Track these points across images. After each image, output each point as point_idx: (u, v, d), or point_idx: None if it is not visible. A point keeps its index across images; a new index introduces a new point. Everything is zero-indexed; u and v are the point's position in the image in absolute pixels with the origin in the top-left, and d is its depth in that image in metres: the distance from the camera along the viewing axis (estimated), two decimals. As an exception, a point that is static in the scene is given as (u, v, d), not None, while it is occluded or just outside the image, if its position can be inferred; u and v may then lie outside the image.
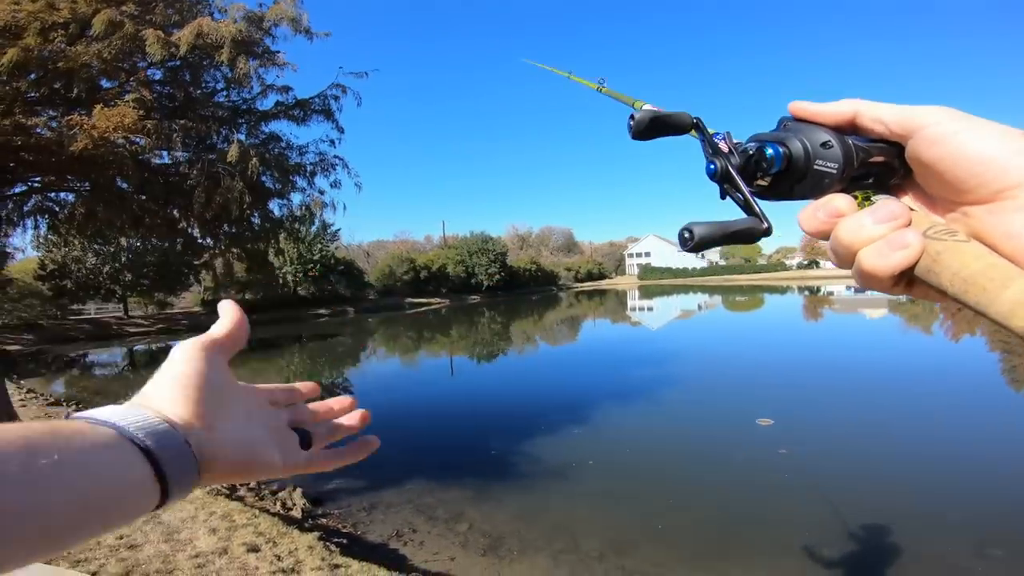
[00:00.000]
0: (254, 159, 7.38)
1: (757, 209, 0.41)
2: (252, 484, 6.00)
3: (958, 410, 8.32)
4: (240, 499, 5.42)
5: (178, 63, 7.28)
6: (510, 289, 56.50)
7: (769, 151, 0.40)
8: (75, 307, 30.96)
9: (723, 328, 24.51)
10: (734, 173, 0.42)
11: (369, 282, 44.85)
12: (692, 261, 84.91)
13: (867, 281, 0.37)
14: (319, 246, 37.45)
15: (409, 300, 44.23)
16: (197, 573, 3.47)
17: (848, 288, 48.10)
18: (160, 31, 6.47)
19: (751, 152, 0.42)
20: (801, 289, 50.41)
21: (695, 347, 17.91)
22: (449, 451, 7.48)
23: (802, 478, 5.83)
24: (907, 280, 0.36)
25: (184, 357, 0.42)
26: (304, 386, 0.56)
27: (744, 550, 4.44)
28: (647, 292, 56.48)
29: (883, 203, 0.37)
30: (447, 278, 50.79)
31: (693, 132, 0.46)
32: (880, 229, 0.35)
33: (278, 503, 5.52)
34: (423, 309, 40.42)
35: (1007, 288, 0.32)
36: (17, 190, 7.85)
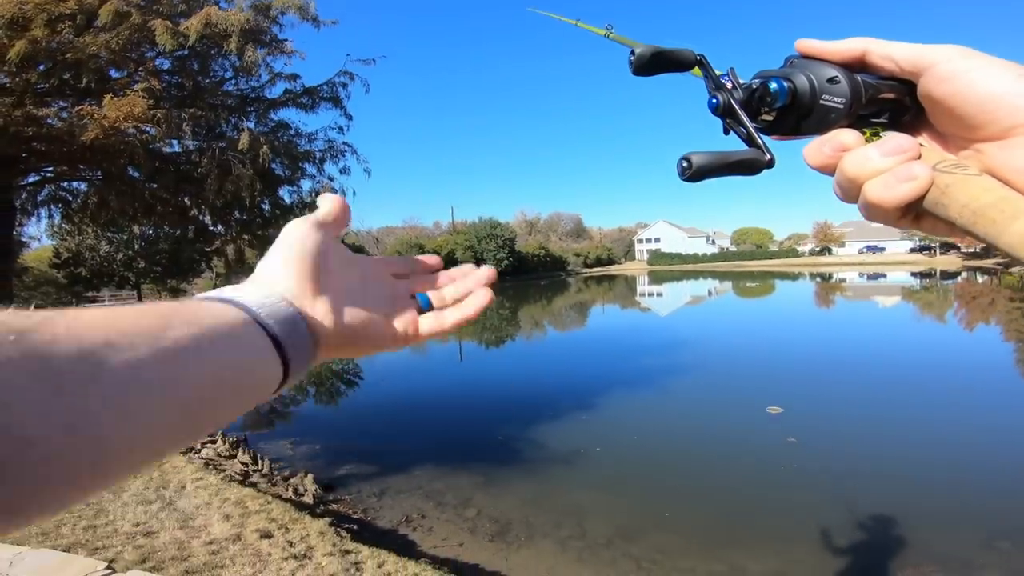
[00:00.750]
0: (264, 147, 7.41)
1: (760, 142, 0.40)
2: (265, 470, 6.12)
3: (970, 401, 8.25)
4: (253, 485, 5.52)
5: (186, 52, 7.28)
6: (519, 274, 56.50)
7: (773, 85, 0.40)
8: (90, 294, 31.39)
9: (733, 315, 24.39)
10: (737, 107, 0.41)
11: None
12: (702, 247, 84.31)
13: (872, 213, 0.37)
14: (328, 232, 37.66)
15: (418, 286, 44.43)
16: (211, 559, 3.56)
17: (861, 275, 47.60)
18: (168, 21, 6.47)
19: (755, 87, 0.41)
20: (813, 276, 49.93)
21: (705, 334, 17.85)
22: (458, 437, 7.55)
23: (810, 466, 5.83)
24: (914, 214, 0.36)
25: (296, 234, 0.41)
26: (427, 258, 0.55)
27: (751, 538, 4.47)
28: (657, 278, 56.21)
29: (891, 136, 0.37)
30: (456, 263, 50.46)
31: (696, 70, 0.45)
32: (887, 162, 0.35)
33: (290, 489, 5.61)
34: (432, 295, 40.51)
35: (1017, 220, 0.32)
36: (31, 180, 7.94)
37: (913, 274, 46.46)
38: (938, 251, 64.61)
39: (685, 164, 0.38)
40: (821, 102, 0.39)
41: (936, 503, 4.93)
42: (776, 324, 19.56)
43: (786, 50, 0.43)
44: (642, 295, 37.49)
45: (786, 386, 9.45)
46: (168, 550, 3.64)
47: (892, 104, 0.40)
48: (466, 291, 0.51)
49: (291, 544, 3.95)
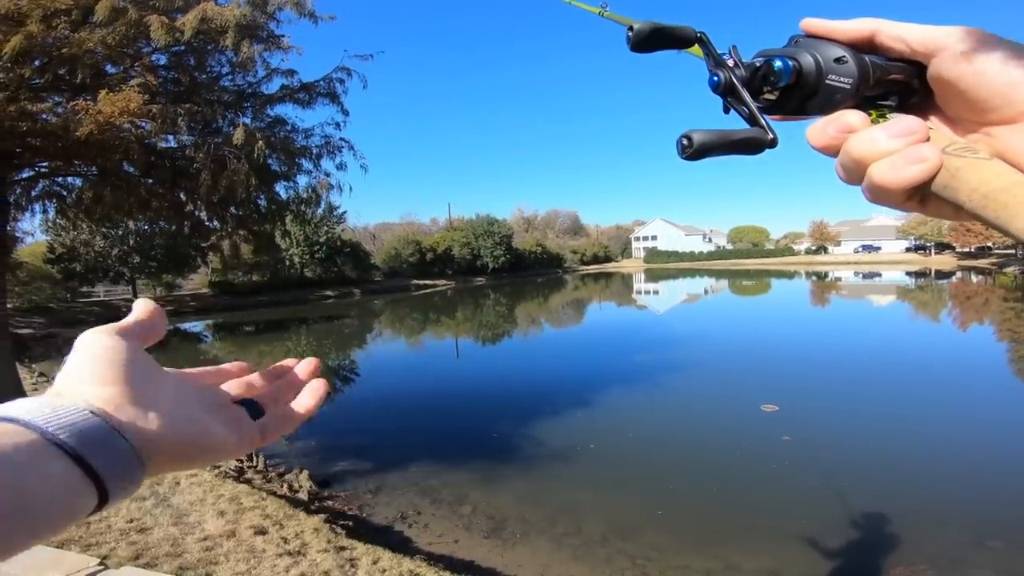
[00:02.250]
0: (260, 142, 7.38)
1: (762, 121, 0.39)
2: (260, 467, 6.12)
3: (963, 400, 8.31)
4: (248, 481, 5.52)
5: (183, 48, 7.24)
6: (515, 271, 56.49)
7: (777, 63, 0.38)
8: (84, 290, 31.29)
9: (729, 313, 24.46)
10: (739, 85, 0.40)
11: (375, 264, 44.97)
12: (699, 245, 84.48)
13: (877, 195, 0.36)
14: (325, 228, 37.50)
15: (415, 282, 44.36)
16: (205, 556, 3.56)
17: (856, 274, 47.79)
18: (164, 16, 6.43)
19: (758, 65, 0.40)
20: (809, 274, 50.09)
21: (701, 332, 17.90)
22: (454, 434, 7.57)
23: (805, 465, 5.87)
24: (920, 196, 0.36)
25: (98, 339, 0.36)
26: (233, 366, 0.49)
27: (745, 535, 4.49)
28: (653, 275, 56.31)
29: (899, 118, 0.36)
30: (453, 260, 50.82)
31: (696, 48, 0.44)
32: (895, 143, 0.35)
33: (285, 486, 5.62)
34: (429, 291, 40.55)
35: None
36: (25, 175, 7.90)
37: (908, 273, 46.66)
38: (933, 251, 64.91)
39: (685, 142, 0.37)
40: (827, 82, 0.38)
41: (929, 501, 4.97)
42: (772, 322, 19.63)
43: (790, 29, 0.41)
44: (638, 293, 37.56)
45: (782, 385, 9.48)
46: (162, 546, 3.65)
47: (900, 86, 0.39)
48: (297, 384, 0.48)
49: (285, 541, 3.96)
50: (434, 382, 11.31)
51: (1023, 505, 4.79)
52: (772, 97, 0.40)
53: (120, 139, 6.42)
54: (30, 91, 6.26)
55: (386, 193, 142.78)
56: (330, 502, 5.39)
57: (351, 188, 14.98)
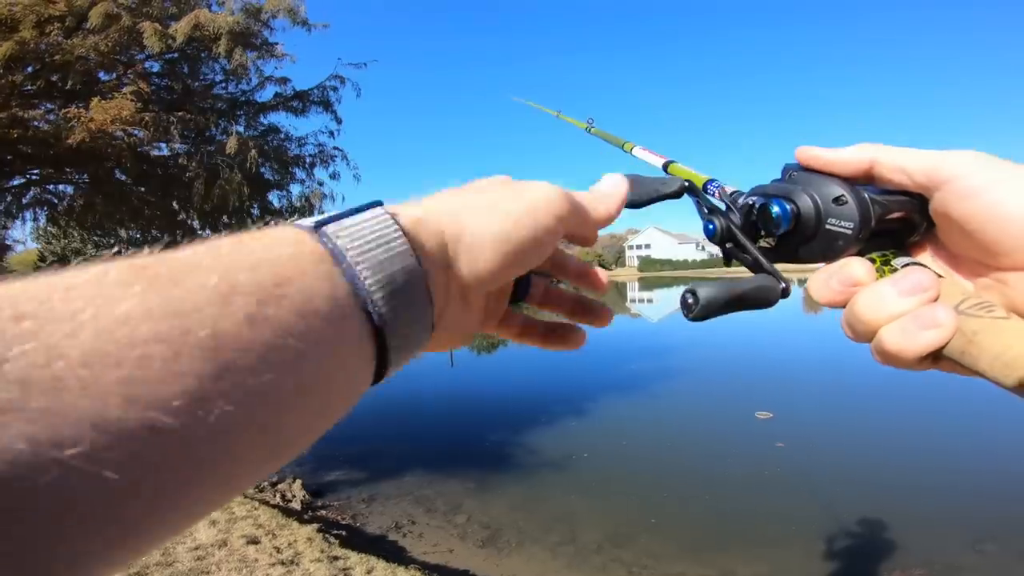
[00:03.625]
0: (253, 151, 7.37)
1: (769, 268, 0.37)
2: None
3: (956, 406, 8.34)
4: (240, 491, 5.45)
5: (176, 55, 7.25)
6: (510, 281, 56.54)
7: (775, 209, 0.36)
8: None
9: (722, 320, 24.45)
10: (737, 233, 0.38)
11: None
12: (692, 253, 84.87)
13: (889, 361, 0.32)
14: (319, 237, 37.54)
15: (409, 292, 44.40)
16: (197, 565, 3.51)
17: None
18: (157, 23, 6.44)
19: (754, 205, 0.37)
20: (801, 281, 50.17)
21: (694, 339, 17.93)
22: (448, 443, 7.52)
23: (799, 471, 5.86)
24: (934, 356, 0.31)
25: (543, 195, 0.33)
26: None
27: (741, 542, 4.47)
28: (647, 284, 56.50)
29: (908, 272, 0.32)
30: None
31: (687, 194, 0.43)
32: (905, 304, 0.30)
33: (278, 495, 5.56)
34: (423, 301, 40.52)
35: None
36: (15, 183, 7.85)
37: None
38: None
39: (691, 300, 0.35)
40: (827, 227, 0.34)
41: (923, 506, 4.97)
42: (765, 329, 19.70)
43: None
44: (633, 301, 37.63)
45: (776, 391, 9.51)
46: (152, 556, 3.58)
47: (901, 223, 0.35)
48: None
49: (278, 550, 3.91)
50: (428, 391, 11.25)
51: (1016, 508, 4.79)
52: (769, 243, 0.38)
53: (112, 147, 6.40)
54: (22, 98, 6.24)
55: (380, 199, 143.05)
56: (323, 511, 5.34)
57: (344, 198, 14.99)
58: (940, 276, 0.33)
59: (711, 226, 0.39)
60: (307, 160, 8.91)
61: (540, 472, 6.14)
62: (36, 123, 6.29)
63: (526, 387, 11.18)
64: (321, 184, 9.22)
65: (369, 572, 3.69)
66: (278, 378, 0.19)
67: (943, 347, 0.30)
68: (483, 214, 0.30)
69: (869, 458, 6.20)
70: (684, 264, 79.72)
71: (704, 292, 0.34)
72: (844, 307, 0.35)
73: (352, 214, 0.25)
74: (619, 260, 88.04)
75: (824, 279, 0.35)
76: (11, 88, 5.98)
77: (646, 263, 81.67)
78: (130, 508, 0.16)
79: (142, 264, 0.19)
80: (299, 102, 8.67)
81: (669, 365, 12.45)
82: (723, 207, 0.40)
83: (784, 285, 0.36)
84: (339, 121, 9.09)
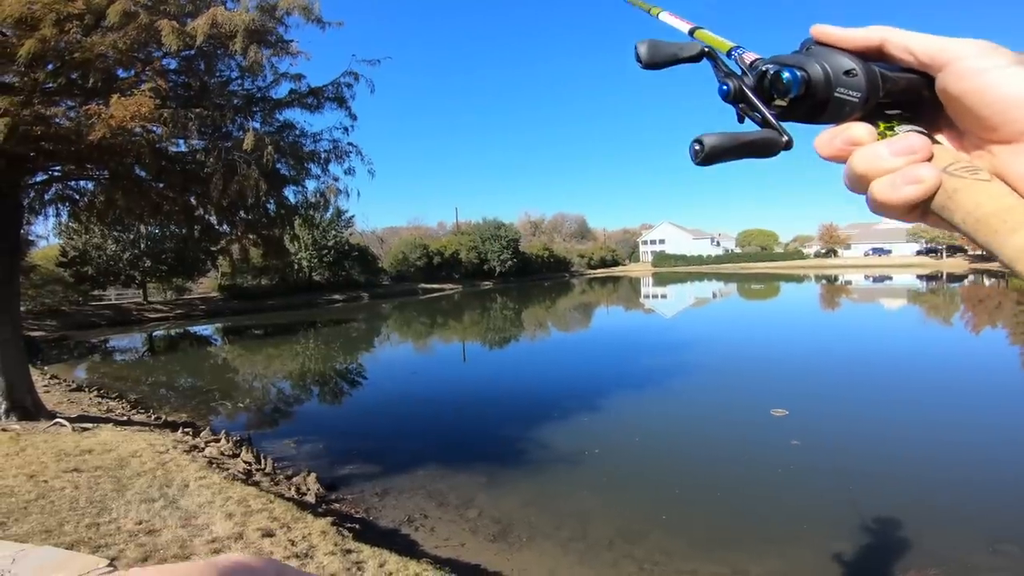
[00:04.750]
0: (269, 147, 7.42)
1: (776, 124, 0.39)
2: (268, 469, 6.14)
3: (975, 404, 8.19)
4: (256, 484, 5.52)
5: (193, 52, 7.31)
6: (522, 275, 56.46)
7: (786, 75, 0.38)
8: (96, 293, 31.57)
9: (738, 317, 24.29)
10: (749, 92, 0.40)
11: (383, 268, 45.10)
12: (707, 248, 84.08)
13: (878, 209, 0.37)
14: (333, 232, 37.66)
15: (422, 286, 44.44)
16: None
17: (867, 277, 47.38)
18: (175, 21, 6.49)
19: (767, 72, 0.40)
20: (818, 278, 49.70)
21: (709, 336, 17.80)
22: (461, 438, 7.56)
23: (813, 469, 5.81)
24: (922, 210, 0.36)
25: None
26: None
27: (754, 539, 4.45)
28: (661, 279, 56.10)
29: (903, 136, 0.36)
30: (460, 264, 50.87)
31: (706, 59, 0.45)
32: (896, 162, 0.35)
33: (293, 488, 5.62)
34: (436, 295, 40.61)
35: (1017, 233, 0.32)
36: (38, 179, 7.99)
37: (919, 277, 46.21)
38: (944, 254, 64.26)
39: (697, 147, 0.38)
40: (836, 94, 0.37)
41: (940, 505, 4.91)
42: (782, 327, 19.48)
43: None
44: (646, 297, 37.42)
45: (792, 389, 9.41)
46: (170, 548, 3.65)
47: (909, 96, 0.39)
48: None
49: (293, 543, 3.96)
50: (441, 386, 11.30)
51: None
52: (782, 104, 0.40)
53: (132, 143, 6.47)
54: (43, 95, 6.33)
55: (394, 197, 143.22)
56: (337, 505, 5.40)
57: (359, 193, 15.08)
58: (937, 143, 0.37)
59: (725, 86, 0.42)
60: (322, 156, 8.94)
61: (552, 468, 6.15)
62: (58, 120, 6.38)
63: (538, 383, 11.17)
64: (336, 179, 9.25)
65: (382, 565, 3.72)
66: None
67: (928, 200, 0.35)
68: None
69: (884, 456, 6.12)
70: (699, 259, 78.98)
71: (710, 139, 0.37)
72: (841, 162, 0.38)
73: None
74: (632, 255, 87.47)
75: (828, 137, 0.38)
76: (33, 85, 6.08)
77: (660, 258, 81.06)
78: None
79: None
80: (314, 98, 8.70)
81: (683, 361, 12.36)
82: (740, 70, 0.42)
83: (787, 138, 0.39)
84: (354, 117, 9.11)
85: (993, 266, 51.29)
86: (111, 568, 3.32)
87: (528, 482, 5.79)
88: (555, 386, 10.62)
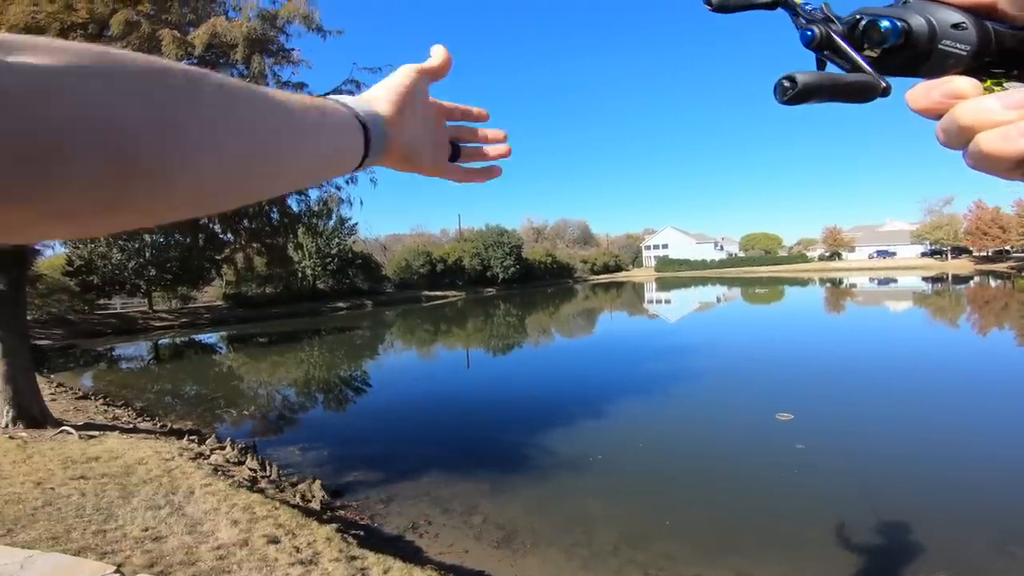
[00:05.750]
0: (272, 156, 7.47)
1: (870, 70, 0.36)
2: (273, 476, 6.14)
3: (982, 406, 8.14)
4: (261, 491, 5.53)
5: (195, 61, 7.38)
6: (525, 282, 56.47)
7: (884, 23, 0.36)
8: (102, 302, 31.77)
9: (743, 321, 24.22)
10: (837, 38, 0.37)
11: (386, 275, 45.22)
12: (710, 253, 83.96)
13: (982, 163, 0.34)
14: (337, 240, 37.82)
15: (426, 293, 44.50)
16: (219, 564, 3.57)
17: (871, 280, 47.17)
18: (176, 31, 6.57)
19: (861, 19, 0.37)
20: (823, 281, 49.51)
21: (714, 340, 17.74)
22: (464, 444, 7.54)
23: (819, 473, 5.76)
24: None
25: (400, 74, 0.58)
26: (477, 110, 0.69)
27: (758, 544, 4.42)
28: (664, 284, 55.97)
29: (1017, 90, 0.33)
30: (463, 271, 50.94)
31: (781, 7, 0.42)
32: (1009, 114, 0.33)
33: (298, 495, 5.62)
34: (439, 302, 40.65)
35: None
36: (44, 189, 8.06)
37: (925, 279, 45.98)
38: (949, 255, 63.97)
39: (787, 83, 0.35)
40: (940, 47, 0.35)
41: (947, 507, 4.86)
42: (786, 330, 19.40)
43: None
44: (650, 302, 37.35)
45: (797, 393, 9.36)
46: (176, 555, 3.66)
47: (1021, 56, 0.36)
48: (485, 157, 0.70)
49: (298, 550, 3.96)
50: (445, 393, 11.30)
51: None
52: (873, 54, 0.37)
53: (136, 153, 6.53)
54: (48, 106, 6.41)
55: (396, 204, 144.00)
56: (342, 511, 5.39)
57: (361, 201, 15.18)
58: None
59: (809, 32, 0.39)
60: (324, 164, 8.99)
61: (555, 473, 6.13)
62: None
63: (541, 389, 11.15)
64: (338, 188, 9.31)
65: (386, 571, 3.71)
66: (320, 133, 0.48)
67: None
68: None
69: (890, 458, 6.08)
70: (702, 264, 78.82)
71: (804, 76, 0.35)
72: (937, 117, 0.36)
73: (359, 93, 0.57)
74: (636, 260, 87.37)
75: (925, 89, 0.36)
76: (39, 97, 6.14)
77: (663, 263, 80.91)
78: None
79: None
80: (316, 107, 8.76)
81: (687, 366, 12.33)
82: (823, 18, 0.39)
83: (885, 84, 0.36)
84: (355, 126, 9.18)
85: (999, 267, 51.03)
86: (118, 574, 3.33)
87: (532, 488, 5.77)
88: (559, 392, 10.60)
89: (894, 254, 71.87)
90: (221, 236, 9.64)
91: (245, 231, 9.14)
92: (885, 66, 0.37)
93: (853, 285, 42.52)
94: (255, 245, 9.69)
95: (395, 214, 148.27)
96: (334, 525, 4.63)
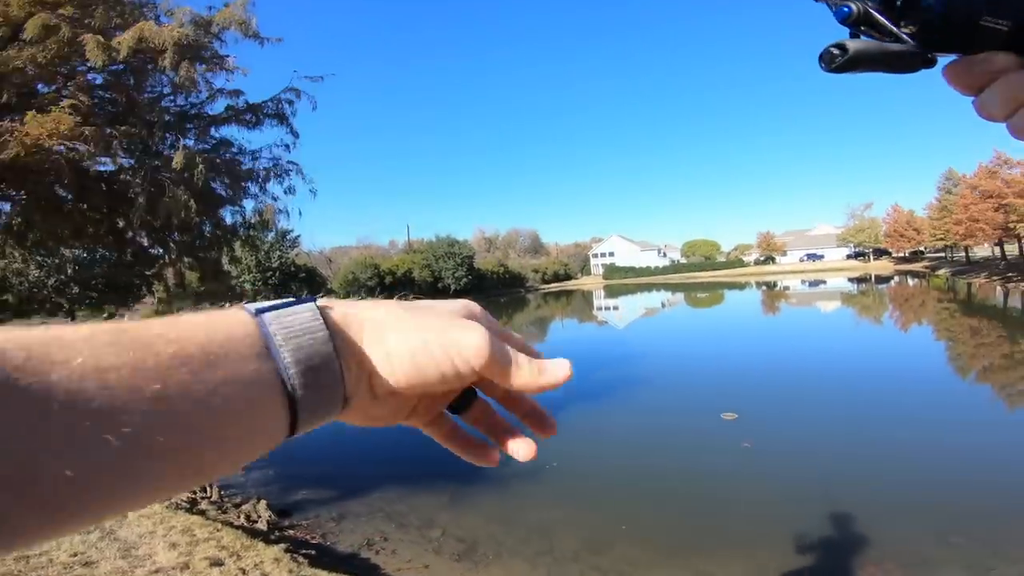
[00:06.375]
0: (200, 165, 7.11)
1: (912, 42, 0.36)
2: (214, 498, 5.78)
3: (913, 400, 8.64)
4: (202, 512, 5.21)
5: (122, 67, 6.97)
6: (478, 292, 56.32)
7: None
8: (18, 323, 29.31)
9: (686, 325, 25.00)
10: (875, 13, 0.37)
11: (332, 289, 44.00)
12: (654, 260, 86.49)
13: None
14: (278, 253, 36.52)
15: (374, 307, 43.60)
16: (155, 595, 3.31)
17: (803, 282, 49.86)
18: (100, 35, 6.18)
19: None
20: (759, 284, 51.90)
21: (660, 345, 18.22)
22: (418, 457, 7.30)
23: (766, 471, 5.94)
24: None
25: (448, 342, 0.35)
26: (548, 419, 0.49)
27: (714, 544, 4.49)
28: (612, 291, 57.15)
29: None
30: (413, 283, 50.25)
31: None
32: None
33: (242, 516, 5.32)
34: (389, 315, 39.89)
35: None
36: (-55, 202, 7.37)
37: (850, 279, 49.00)
38: (872, 257, 68.46)
39: (837, 51, 0.35)
40: (981, 23, 0.35)
41: (891, 500, 5.04)
42: (727, 332, 20.16)
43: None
44: (599, 309, 38.01)
45: (740, 392, 9.69)
46: (107, 587, 3.36)
47: None
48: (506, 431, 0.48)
49: (244, 572, 3.74)
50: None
51: (979, 500, 4.89)
52: (911, 30, 0.37)
53: (51, 162, 6.07)
54: (-50, 112, 5.88)
55: (342, 216, 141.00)
56: (291, 531, 5.13)
57: (300, 212, 14.70)
58: None
59: (847, 8, 0.37)
60: (260, 174, 8.65)
61: (513, 483, 6.06)
62: (-34, 138, 5.92)
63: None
64: (276, 199, 8.97)
65: (340, 593, 3.55)
66: (203, 422, 0.27)
67: None
68: (404, 336, 0.34)
69: (833, 454, 6.34)
70: (647, 271, 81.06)
71: (855, 44, 0.35)
72: (977, 92, 0.36)
73: (291, 305, 0.33)
74: (584, 268, 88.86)
75: (966, 65, 0.36)
76: (-61, 101, 5.63)
77: (610, 271, 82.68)
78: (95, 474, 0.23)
79: (124, 328, 0.26)
80: (252, 115, 8.43)
81: (635, 372, 12.56)
82: None
83: (931, 56, 0.37)
84: (295, 135, 8.90)
85: (915, 267, 55.08)
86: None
87: (491, 498, 5.68)
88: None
89: (822, 256, 76.23)
90: (150, 250, 9.09)
91: (176, 245, 8.65)
92: (923, 42, 0.37)
93: (787, 287, 44.77)
94: (187, 260, 9.18)
95: (341, 226, 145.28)
96: (283, 545, 4.41)
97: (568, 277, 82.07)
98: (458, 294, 52.88)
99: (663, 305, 37.31)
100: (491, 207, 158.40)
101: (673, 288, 55.09)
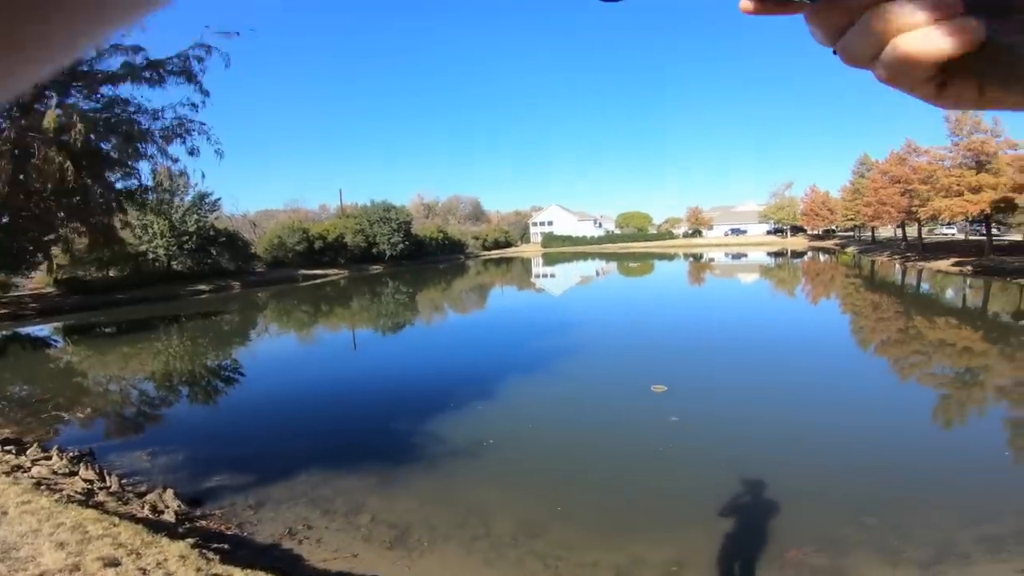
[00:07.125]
0: (79, 125, 6.24)
1: None
2: (114, 487, 5.26)
3: (836, 383, 9.00)
4: (98, 506, 4.70)
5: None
6: (416, 258, 55.17)
7: None
8: None
9: (619, 295, 25.60)
10: None
11: (256, 254, 41.58)
12: (591, 230, 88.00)
13: (898, 70, 0.31)
14: (196, 217, 33.88)
15: (303, 272, 41.67)
16: (36, 607, 2.90)
17: (727, 255, 52.41)
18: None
19: None
20: (687, 255, 54.04)
21: (595, 312, 18.54)
22: (346, 436, 7.02)
23: (693, 448, 6.05)
24: (941, 80, 0.32)
25: None
26: None
27: (646, 524, 4.53)
28: (550, 259, 57.79)
29: None
30: (346, 248, 48.37)
31: None
32: (924, 16, 0.30)
33: (146, 507, 4.87)
34: (319, 281, 38.35)
35: None
36: None
37: (769, 253, 52.00)
38: (789, 233, 72.78)
39: None
40: None
41: (809, 481, 5.15)
42: (657, 302, 20.81)
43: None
44: (537, 276, 38.26)
45: (668, 363, 9.98)
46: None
47: None
48: None
49: (144, 572, 3.38)
50: (327, 379, 10.56)
51: (890, 480, 5.13)
52: None
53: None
54: None
55: (269, 178, 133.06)
56: (203, 522, 4.74)
57: (203, 174, 13.64)
58: None
59: None
60: (157, 134, 7.77)
61: (448, 462, 5.89)
62: None
63: (431, 371, 10.83)
64: (175, 160, 8.14)
65: (257, 591, 3.27)
66: None
67: (958, 59, 0.31)
68: None
69: (755, 429, 6.56)
70: (584, 240, 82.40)
71: None
72: (839, 33, 0.33)
73: None
74: (524, 236, 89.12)
75: (828, 3, 0.33)
76: None
77: (549, 239, 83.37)
78: None
79: None
80: (153, 72, 7.51)
81: (570, 342, 12.67)
82: None
83: None
84: (205, 93, 8.05)
85: (827, 244, 59.08)
86: None
87: (424, 480, 5.48)
88: (449, 374, 10.35)
89: (745, 232, 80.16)
90: (41, 216, 8.05)
91: (66, 209, 7.68)
92: None
93: (712, 259, 46.88)
94: (75, 225, 8.21)
95: (268, 188, 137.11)
96: (191, 539, 4.05)
97: (508, 244, 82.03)
98: (394, 260, 51.60)
99: (597, 273, 38.07)
100: (433, 175, 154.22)
101: (607, 257, 56.39)
